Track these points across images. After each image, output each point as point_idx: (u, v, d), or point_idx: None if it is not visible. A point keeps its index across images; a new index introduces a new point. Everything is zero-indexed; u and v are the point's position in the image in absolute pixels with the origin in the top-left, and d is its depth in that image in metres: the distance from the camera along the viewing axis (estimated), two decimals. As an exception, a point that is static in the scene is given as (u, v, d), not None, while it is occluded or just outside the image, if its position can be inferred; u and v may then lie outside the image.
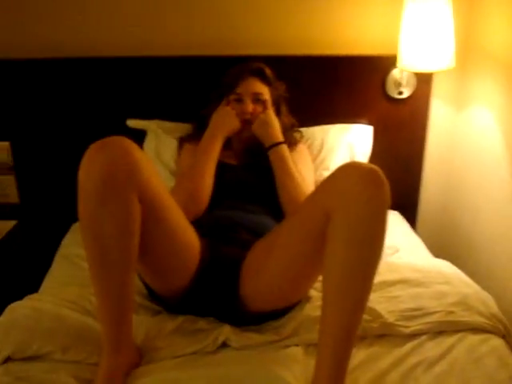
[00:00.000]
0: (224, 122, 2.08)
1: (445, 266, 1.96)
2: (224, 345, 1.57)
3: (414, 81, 2.37)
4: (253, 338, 1.59)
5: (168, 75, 2.35)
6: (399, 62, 2.21)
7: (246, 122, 2.09)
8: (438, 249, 2.39)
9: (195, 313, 1.68)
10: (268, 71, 2.13)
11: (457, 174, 2.55)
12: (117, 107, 2.36)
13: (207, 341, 1.56)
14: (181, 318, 1.66)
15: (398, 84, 2.36)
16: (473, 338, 1.58)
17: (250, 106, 2.09)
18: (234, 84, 2.11)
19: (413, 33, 2.10)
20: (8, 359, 1.50)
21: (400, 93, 2.38)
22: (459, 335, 1.60)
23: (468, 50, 2.35)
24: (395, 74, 2.35)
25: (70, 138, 2.37)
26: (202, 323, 1.64)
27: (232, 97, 2.12)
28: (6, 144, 2.38)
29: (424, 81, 2.38)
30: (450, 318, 1.63)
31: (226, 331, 1.59)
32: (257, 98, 2.10)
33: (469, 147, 2.44)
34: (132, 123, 2.34)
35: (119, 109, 2.36)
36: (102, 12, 2.31)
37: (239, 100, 2.10)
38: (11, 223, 2.38)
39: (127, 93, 2.36)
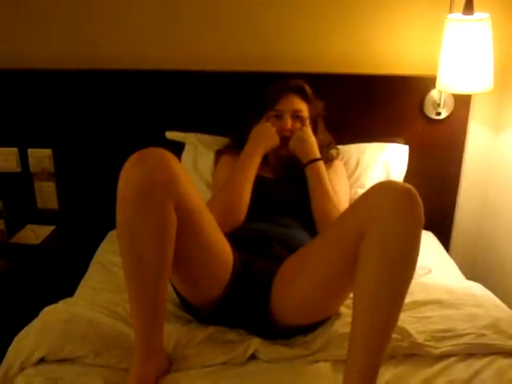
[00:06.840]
0: (264, 138, 2.08)
1: (477, 289, 1.94)
2: (253, 357, 1.57)
3: (452, 102, 2.36)
4: (282, 351, 1.59)
5: (208, 89, 2.38)
6: (438, 83, 2.20)
7: (285, 139, 2.10)
8: (471, 271, 2.37)
9: (226, 324, 1.69)
10: (308, 89, 2.14)
11: (492, 197, 2.52)
12: (157, 119, 2.40)
13: (237, 352, 1.57)
14: (211, 329, 1.67)
15: (437, 105, 2.35)
16: (502, 362, 1.56)
17: (289, 123, 2.09)
18: (274, 100, 2.11)
19: (452, 54, 2.10)
20: (41, 360, 1.52)
21: (438, 113, 2.37)
22: (489, 358, 1.57)
23: (507, 72, 2.34)
24: (434, 94, 2.35)
25: (110, 148, 2.41)
26: (231, 334, 1.65)
27: (272, 113, 2.12)
28: (48, 151, 2.42)
29: (462, 102, 2.36)
30: (481, 340, 1.61)
31: (255, 343, 1.59)
32: (296, 115, 2.11)
33: (505, 170, 2.42)
34: (171, 135, 2.37)
35: (159, 121, 2.39)
36: (148, 27, 2.35)
37: (278, 116, 2.11)
38: (50, 228, 2.41)
39: (167, 105, 2.40)
